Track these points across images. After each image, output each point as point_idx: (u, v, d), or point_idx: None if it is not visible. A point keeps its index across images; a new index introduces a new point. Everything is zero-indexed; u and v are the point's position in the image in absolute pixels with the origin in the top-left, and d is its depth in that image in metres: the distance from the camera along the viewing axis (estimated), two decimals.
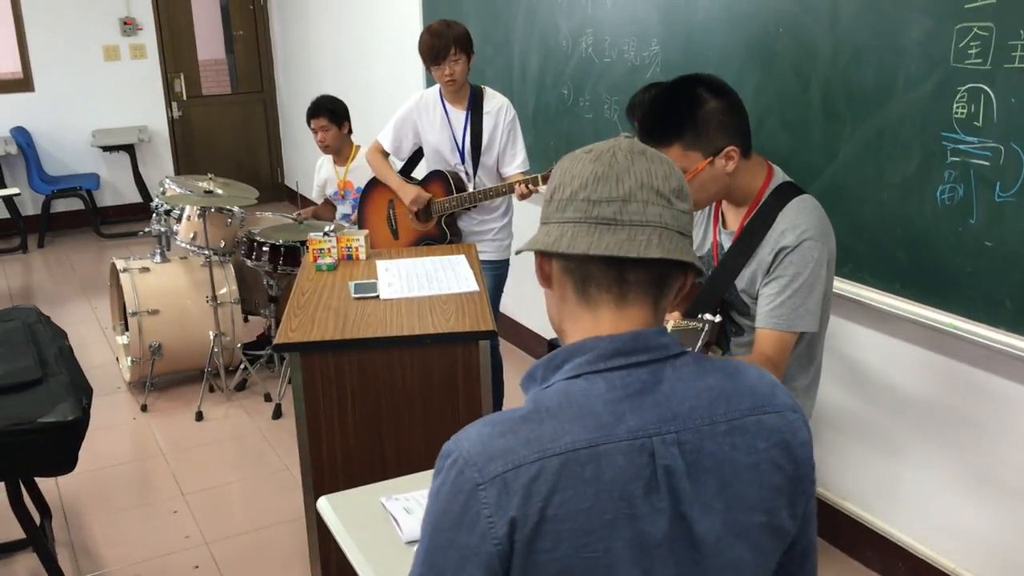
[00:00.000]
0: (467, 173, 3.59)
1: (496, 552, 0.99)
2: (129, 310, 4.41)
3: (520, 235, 3.88)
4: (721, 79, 1.98)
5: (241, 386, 4.63)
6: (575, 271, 1.10)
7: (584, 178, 1.08)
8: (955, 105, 2.38)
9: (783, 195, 1.96)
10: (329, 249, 3.25)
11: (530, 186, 3.29)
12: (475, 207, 3.57)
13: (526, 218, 4.13)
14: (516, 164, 3.60)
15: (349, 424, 2.67)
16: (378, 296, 2.91)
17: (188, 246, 4.49)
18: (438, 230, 3.61)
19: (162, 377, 4.65)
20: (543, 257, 1.14)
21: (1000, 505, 2.55)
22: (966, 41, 2.32)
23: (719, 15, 3.15)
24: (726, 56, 3.11)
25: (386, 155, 3.74)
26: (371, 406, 2.67)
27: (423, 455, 2.71)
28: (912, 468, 2.79)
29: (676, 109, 1.92)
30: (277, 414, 4.33)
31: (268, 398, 4.49)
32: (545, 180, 3.29)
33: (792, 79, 2.86)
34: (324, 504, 2.17)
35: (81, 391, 2.76)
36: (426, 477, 2.28)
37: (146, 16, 7.68)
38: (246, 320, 4.86)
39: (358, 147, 4.82)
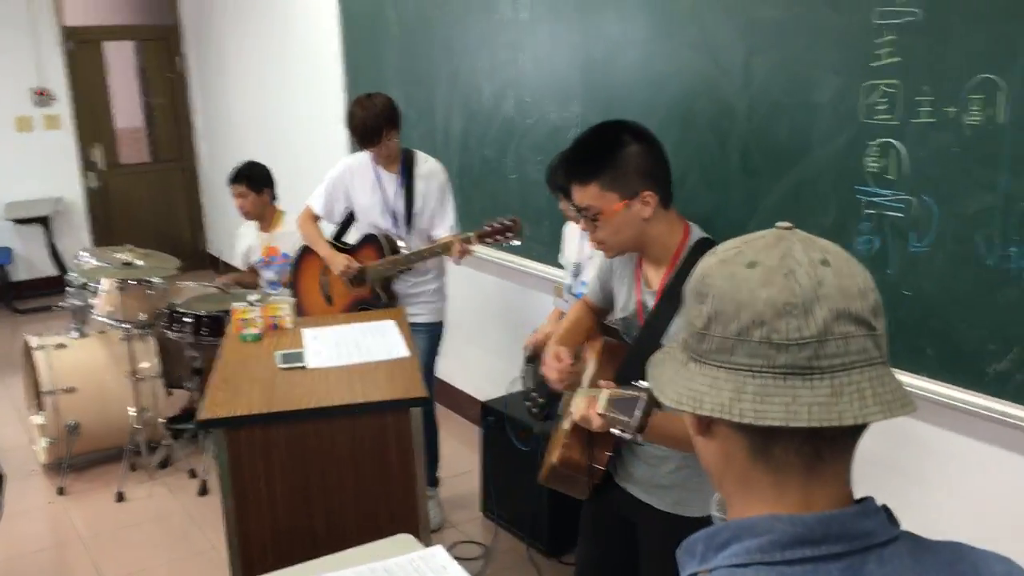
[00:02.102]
0: (399, 236, 3.57)
1: None
2: (44, 388, 4.24)
3: (455, 296, 3.86)
4: (646, 128, 2.01)
5: (164, 463, 4.47)
6: (755, 430, 0.84)
7: (756, 310, 0.83)
8: (867, 159, 2.45)
9: (702, 250, 1.97)
10: (254, 319, 3.18)
11: (466, 245, 3.28)
12: (410, 270, 3.55)
13: (461, 279, 4.12)
14: (446, 226, 3.59)
15: (278, 500, 2.58)
16: (305, 366, 2.85)
17: (107, 320, 4.35)
18: (373, 294, 3.57)
19: (80, 457, 4.46)
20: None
21: None
22: (873, 97, 2.40)
23: (638, 76, 3.21)
24: (646, 115, 3.16)
25: (317, 219, 3.70)
26: (301, 480, 2.59)
27: (355, 529, 2.62)
28: None
29: (598, 149, 1.94)
30: (203, 491, 4.19)
31: (193, 474, 4.34)
32: (480, 239, 3.28)
33: (711, 137, 2.92)
34: None
35: None
36: (358, 554, 2.21)
37: (59, 86, 7.54)
38: (169, 394, 4.71)
39: (282, 213, 4.76)
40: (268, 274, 4.76)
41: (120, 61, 8.03)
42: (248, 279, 4.88)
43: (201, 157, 8.27)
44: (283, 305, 3.24)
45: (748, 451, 0.86)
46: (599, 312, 2.31)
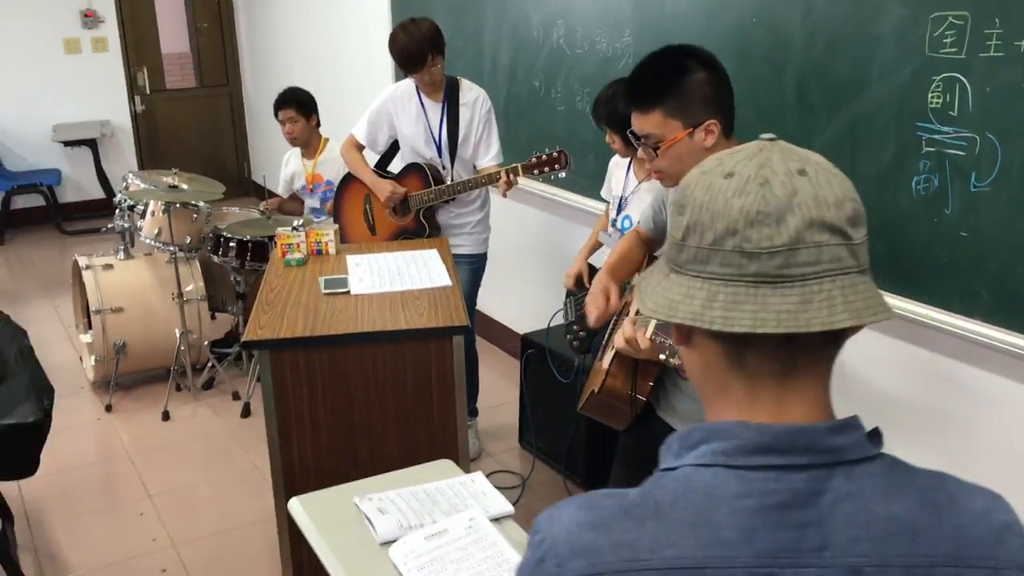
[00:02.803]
0: (443, 166, 3.54)
1: None
2: (92, 308, 4.31)
3: (497, 228, 3.83)
4: (712, 54, 1.94)
5: (208, 385, 4.55)
6: (729, 337, 0.85)
7: (731, 218, 0.83)
8: (930, 95, 2.37)
9: None
10: (298, 244, 3.19)
11: (512, 176, 3.24)
12: (453, 200, 3.52)
13: (503, 211, 4.09)
14: (491, 156, 3.55)
15: (320, 423, 2.62)
16: (348, 291, 2.86)
17: (153, 242, 4.40)
18: (416, 223, 3.55)
19: (127, 376, 4.55)
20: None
21: None
22: (941, 30, 2.31)
23: (692, 5, 3.12)
24: (700, 44, 3.08)
25: (361, 149, 3.67)
26: (343, 404, 2.61)
27: (396, 454, 2.65)
28: None
29: (661, 75, 1.88)
30: (246, 412, 4.26)
31: (236, 396, 4.41)
32: (526, 171, 3.25)
33: (767, 69, 2.84)
34: (296, 505, 2.12)
35: (42, 391, 2.68)
36: (400, 477, 2.24)
37: (108, 8, 7.53)
38: (213, 317, 4.77)
39: (327, 140, 4.74)
40: (312, 201, 4.77)
41: None
42: (291, 206, 4.89)
43: (246, 83, 8.26)
44: (327, 231, 3.25)
45: (724, 359, 0.87)
46: (651, 243, 2.28)
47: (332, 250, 3.24)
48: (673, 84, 1.86)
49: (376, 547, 1.93)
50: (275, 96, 4.69)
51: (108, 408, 4.34)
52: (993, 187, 2.26)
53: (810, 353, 0.85)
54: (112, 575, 3.12)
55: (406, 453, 2.64)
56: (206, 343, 4.51)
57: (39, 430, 2.53)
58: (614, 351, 2.05)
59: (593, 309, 2.19)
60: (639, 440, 2.24)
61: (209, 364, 4.52)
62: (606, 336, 2.35)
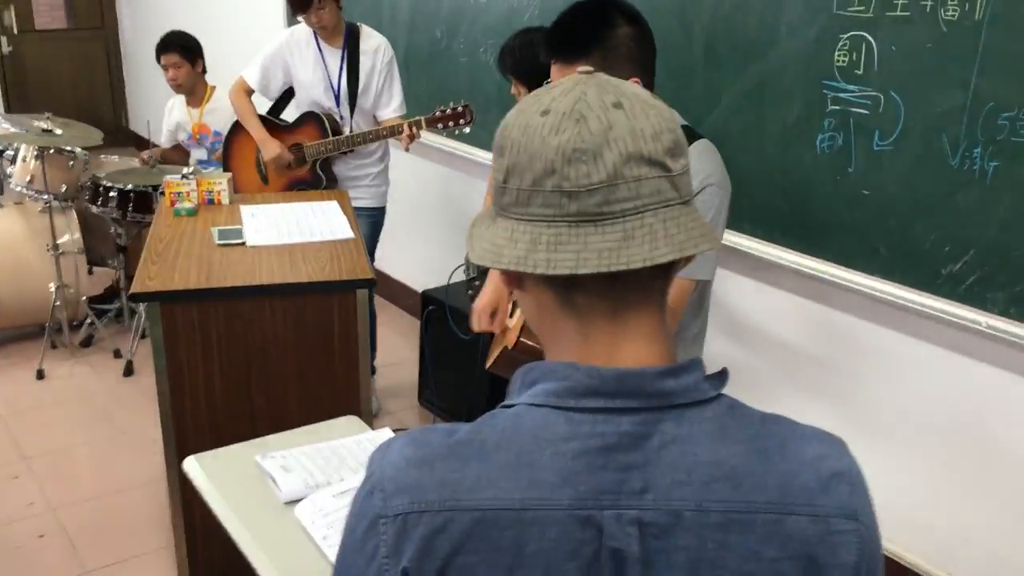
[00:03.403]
0: (341, 116, 3.41)
1: None
2: None
3: (395, 182, 3.73)
4: (636, 9, 1.89)
5: (87, 342, 4.31)
6: (558, 281, 0.84)
7: (547, 159, 0.81)
8: (837, 53, 2.39)
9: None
10: (188, 193, 3.02)
11: (415, 130, 3.15)
12: (352, 151, 3.40)
13: (400, 165, 3.98)
14: (392, 108, 3.44)
15: (216, 380, 2.49)
16: (244, 243, 2.73)
17: (24, 190, 4.11)
18: (312, 175, 3.42)
19: None
20: None
21: (877, 452, 2.63)
22: None
23: None
24: None
25: (250, 94, 3.50)
26: (239, 361, 2.50)
27: (296, 413, 2.55)
28: (786, 415, 2.85)
29: (588, 27, 1.81)
30: (129, 371, 4.05)
31: (118, 354, 4.19)
32: (430, 125, 3.15)
33: (676, 26, 2.82)
34: (192, 464, 2.00)
35: None
36: (302, 434, 2.15)
37: None
38: (90, 272, 4.51)
39: (213, 88, 4.52)
40: (198, 153, 4.54)
41: None
42: (175, 157, 4.65)
43: (123, 25, 7.80)
44: (220, 179, 3.09)
45: (554, 301, 0.86)
46: None
47: (225, 199, 3.09)
48: (600, 37, 1.80)
49: (280, 506, 1.84)
50: (157, 40, 4.43)
51: None
52: (894, 146, 2.31)
53: (639, 289, 0.84)
54: None
55: (307, 412, 2.53)
56: (84, 298, 4.27)
57: None
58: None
59: (478, 325, 2.17)
60: None
61: (88, 320, 4.27)
62: None
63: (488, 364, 2.26)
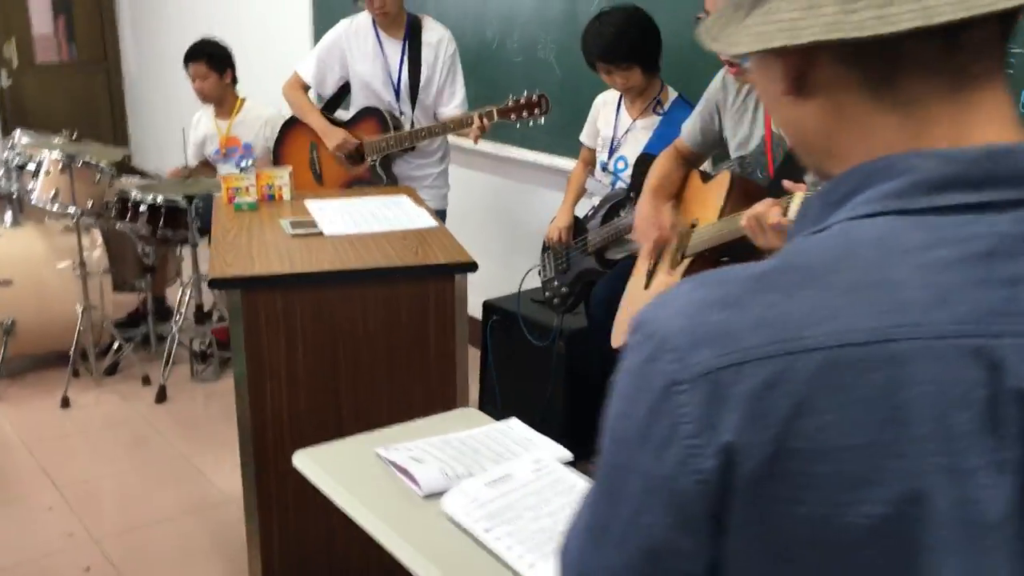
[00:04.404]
0: (401, 111, 3.20)
1: (698, 493, 0.59)
2: None
3: (457, 184, 3.51)
4: None
5: (112, 369, 4.01)
6: (870, 57, 0.63)
7: None
8: None
9: None
10: (247, 188, 2.78)
11: (485, 121, 2.94)
12: (413, 149, 3.18)
13: (463, 164, 3.77)
14: (455, 103, 3.24)
15: (300, 375, 2.24)
16: (321, 233, 2.48)
17: (49, 205, 3.85)
18: (372, 173, 3.19)
19: (14, 361, 3.97)
20: (799, 55, 0.65)
21: None
22: None
23: None
24: None
25: (306, 89, 3.28)
26: (326, 356, 2.24)
27: (386, 410, 2.29)
28: None
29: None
30: (161, 397, 3.76)
31: (147, 381, 3.90)
32: (502, 115, 2.95)
33: None
34: (303, 458, 1.74)
35: None
36: (418, 428, 1.89)
37: None
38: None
39: (243, 100, 4.31)
40: (226, 168, 4.30)
41: None
42: (203, 174, 4.41)
43: (128, 59, 7.58)
44: (280, 173, 2.85)
45: (864, 91, 0.64)
46: (693, 159, 2.03)
47: (286, 194, 2.85)
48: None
49: (419, 501, 1.59)
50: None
51: None
52: None
53: (982, 58, 0.62)
54: (26, 575, 2.62)
55: (398, 412, 2.27)
56: (110, 322, 3.98)
57: None
58: (687, 261, 1.79)
59: (647, 238, 1.94)
60: None
61: (115, 346, 3.98)
62: (650, 265, 2.07)
63: (618, 343, 2.02)
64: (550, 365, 3.16)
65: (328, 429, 2.24)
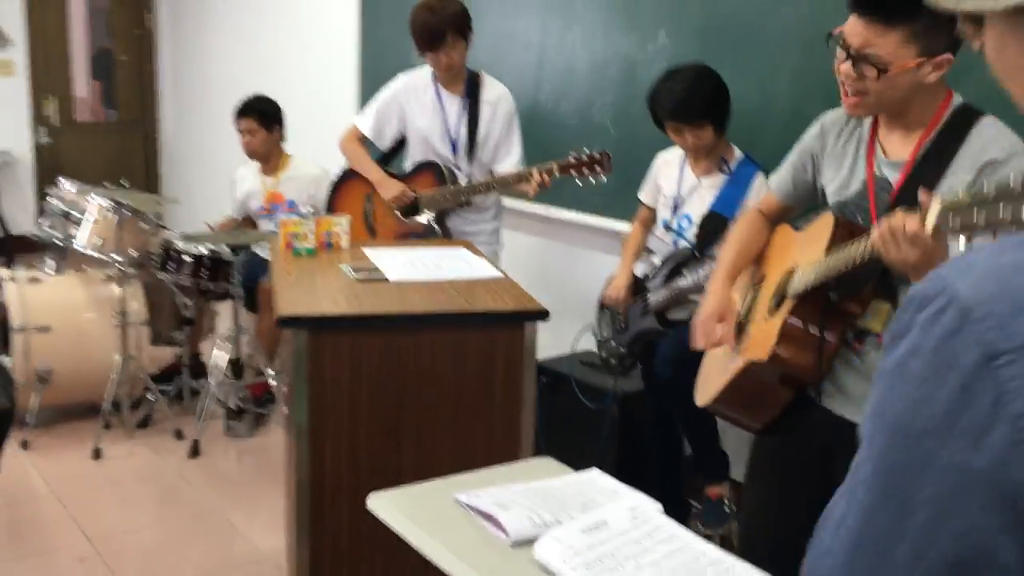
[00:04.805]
0: (458, 167, 3.18)
1: None
2: (14, 325, 3.67)
3: (506, 244, 3.47)
4: None
5: (145, 423, 3.93)
6: None
7: None
8: None
9: (968, 115, 1.66)
10: (306, 234, 2.74)
11: (545, 177, 2.90)
12: (469, 204, 3.15)
13: (513, 226, 3.73)
14: (512, 161, 3.22)
15: (362, 422, 2.15)
16: (386, 279, 2.43)
17: (94, 253, 3.81)
18: (427, 228, 3.15)
19: (46, 410, 3.89)
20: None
21: None
22: None
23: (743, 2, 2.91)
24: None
25: (363, 142, 3.27)
26: (391, 403, 2.16)
27: (447, 465, 2.20)
28: None
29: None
30: (195, 452, 3.66)
31: (180, 435, 3.80)
32: (563, 171, 2.92)
33: None
34: (381, 501, 1.65)
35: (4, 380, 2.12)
36: (499, 474, 1.81)
37: (16, 28, 6.89)
38: None
39: (290, 156, 4.31)
40: (269, 225, 4.28)
41: (79, 9, 7.41)
42: (245, 229, 4.39)
43: (165, 117, 7.65)
44: (340, 220, 2.81)
45: None
46: (781, 214, 1.97)
47: (344, 242, 2.81)
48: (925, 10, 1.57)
49: (505, 549, 1.49)
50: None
51: (24, 445, 3.66)
52: None
53: None
54: None
55: (460, 465, 2.18)
56: (146, 374, 3.90)
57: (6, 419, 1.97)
58: (789, 303, 1.72)
59: (704, 338, 1.88)
60: (788, 439, 1.87)
61: (149, 396, 3.90)
62: (746, 301, 1.98)
63: (707, 399, 1.93)
64: (602, 428, 3.07)
65: (387, 481, 2.15)
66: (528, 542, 1.47)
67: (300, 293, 2.26)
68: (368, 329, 2.12)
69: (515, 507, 1.59)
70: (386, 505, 1.64)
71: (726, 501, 2.70)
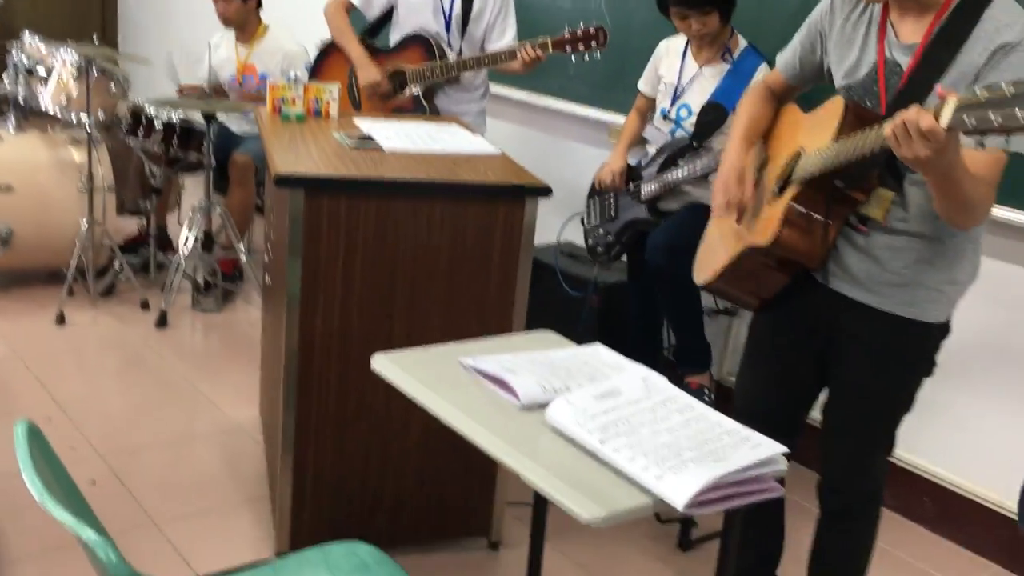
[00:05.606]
0: (449, 43, 3.07)
1: None
2: None
3: (489, 132, 3.39)
4: None
5: (109, 291, 3.83)
6: None
7: None
8: None
9: None
10: (294, 99, 2.64)
11: (538, 51, 2.82)
12: (457, 81, 3.06)
13: (497, 114, 3.64)
14: (505, 41, 3.11)
15: (355, 289, 2.11)
16: (381, 148, 2.35)
17: (57, 112, 3.65)
18: (415, 103, 3.05)
19: (6, 273, 3.78)
20: None
21: None
22: None
23: None
24: None
25: (349, 11, 3.13)
26: (385, 272, 2.11)
27: (438, 338, 2.16)
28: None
29: None
30: (162, 322, 3.59)
31: (146, 306, 3.72)
32: (557, 46, 2.83)
33: None
34: (383, 361, 1.62)
35: None
36: (501, 343, 1.78)
37: None
38: None
39: (267, 27, 4.14)
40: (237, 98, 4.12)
41: None
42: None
43: None
44: (330, 88, 2.71)
45: None
46: (786, 92, 1.93)
47: (333, 112, 2.71)
48: None
49: (515, 412, 1.48)
50: None
51: None
52: None
53: None
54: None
55: (450, 334, 2.16)
56: (113, 241, 3.78)
57: None
58: (793, 188, 1.69)
59: (724, 196, 1.84)
60: (786, 317, 1.87)
61: (117, 267, 3.80)
62: (764, 176, 1.95)
63: (706, 278, 1.92)
64: (582, 317, 3.06)
65: (377, 345, 2.12)
66: (538, 407, 1.46)
67: (295, 155, 2.18)
68: (366, 194, 2.05)
69: (524, 373, 1.57)
70: (389, 366, 1.61)
71: (706, 391, 2.72)
